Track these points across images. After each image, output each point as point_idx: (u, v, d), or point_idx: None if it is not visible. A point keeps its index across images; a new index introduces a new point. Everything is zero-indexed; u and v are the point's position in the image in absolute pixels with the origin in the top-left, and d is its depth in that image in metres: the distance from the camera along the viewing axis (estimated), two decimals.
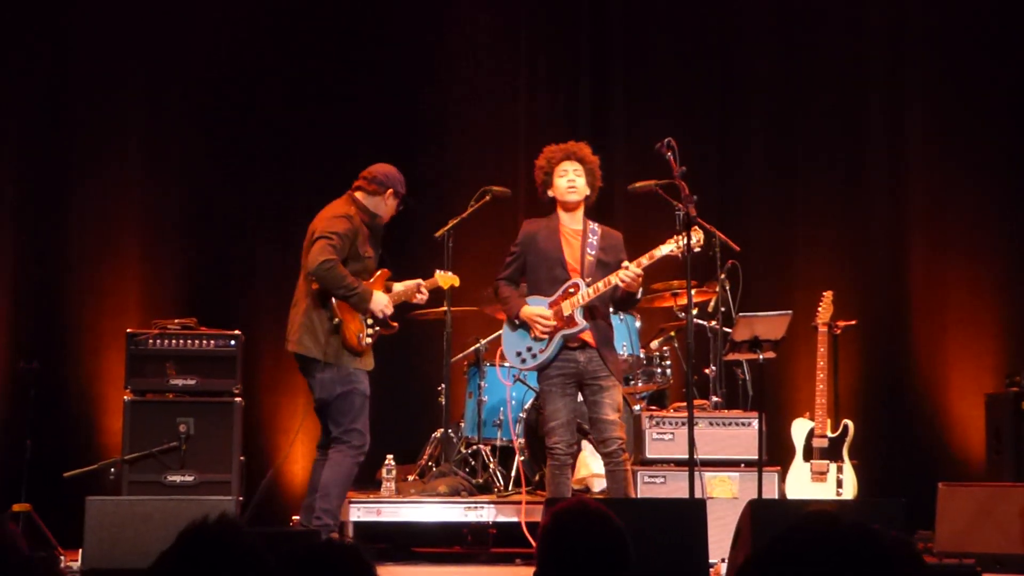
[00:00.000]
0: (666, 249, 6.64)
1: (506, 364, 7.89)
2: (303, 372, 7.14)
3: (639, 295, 6.98)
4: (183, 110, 9.27)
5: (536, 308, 6.80)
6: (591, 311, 6.78)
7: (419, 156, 9.36)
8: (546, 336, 6.76)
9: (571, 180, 6.87)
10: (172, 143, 9.26)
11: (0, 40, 9.07)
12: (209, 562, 2.14)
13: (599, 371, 6.74)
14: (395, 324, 7.28)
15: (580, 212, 6.94)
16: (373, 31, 9.49)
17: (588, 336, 6.76)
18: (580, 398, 6.94)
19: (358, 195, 7.14)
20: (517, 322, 6.86)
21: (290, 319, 7.11)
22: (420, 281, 7.33)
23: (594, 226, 6.92)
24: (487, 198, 8.15)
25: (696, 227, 6.61)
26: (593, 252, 6.83)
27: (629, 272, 6.61)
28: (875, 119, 9.46)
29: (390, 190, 7.19)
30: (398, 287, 7.23)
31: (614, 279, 6.65)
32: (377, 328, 7.10)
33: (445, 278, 7.53)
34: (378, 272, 7.20)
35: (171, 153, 9.26)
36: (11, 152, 9.08)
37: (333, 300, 6.92)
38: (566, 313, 6.74)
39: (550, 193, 6.95)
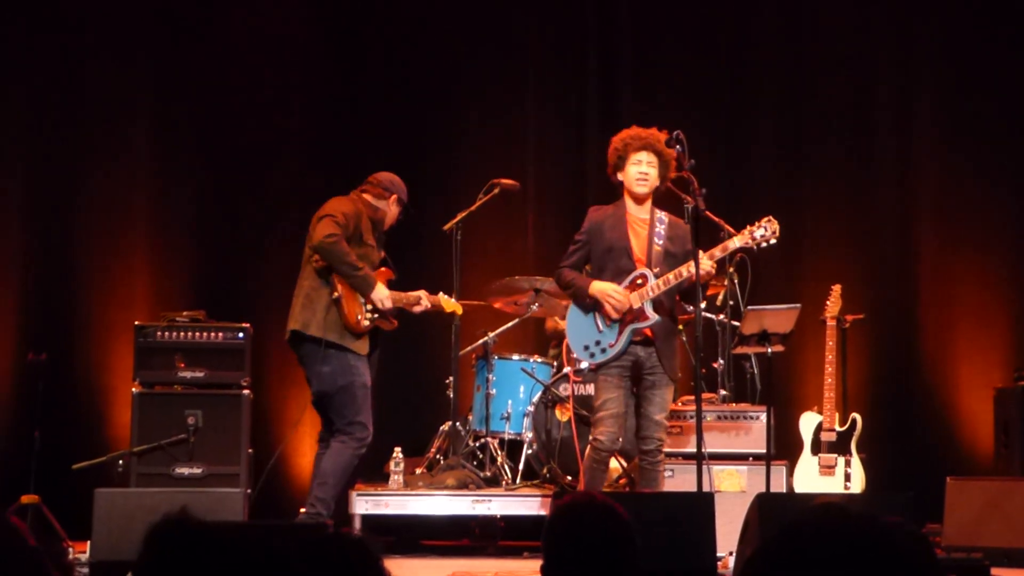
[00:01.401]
0: (739, 241, 6.60)
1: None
2: (301, 362, 7.21)
3: (706, 287, 6.91)
4: (193, 104, 9.27)
5: (608, 284, 6.67)
6: (656, 304, 6.70)
7: (427, 150, 9.37)
8: (618, 316, 6.65)
9: (643, 172, 6.75)
10: (181, 136, 9.26)
11: (9, 31, 9.08)
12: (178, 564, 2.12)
13: (655, 368, 6.69)
14: (395, 322, 7.34)
15: (648, 200, 6.84)
16: (379, 26, 9.48)
17: (650, 331, 6.69)
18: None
19: (365, 196, 7.31)
20: (589, 302, 6.72)
21: (291, 307, 7.21)
22: (424, 293, 7.37)
23: (661, 215, 6.83)
24: (495, 191, 8.17)
25: (771, 217, 6.59)
26: (660, 242, 6.74)
27: (703, 265, 6.48)
28: (884, 111, 9.44)
29: (394, 196, 7.36)
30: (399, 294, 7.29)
31: (686, 271, 6.56)
32: (376, 315, 7.15)
33: (449, 303, 7.58)
34: (380, 269, 7.27)
35: (180, 145, 9.26)
36: (20, 143, 9.08)
37: (335, 277, 7.01)
38: (636, 305, 6.64)
39: (619, 176, 6.82)
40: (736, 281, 7.91)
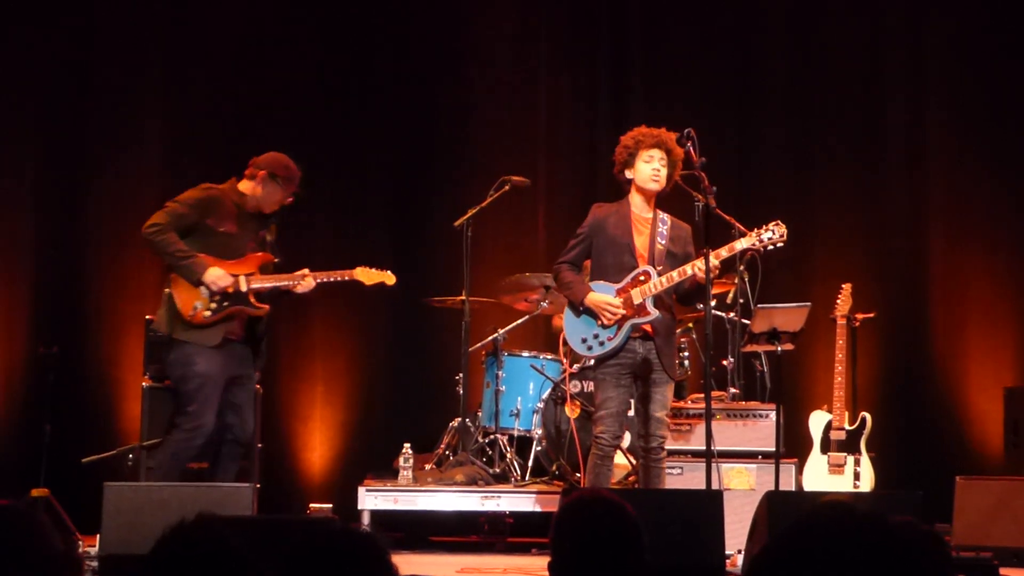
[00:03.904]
0: (746, 243, 6.58)
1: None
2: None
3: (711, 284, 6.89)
4: (203, 97, 9.28)
5: (603, 296, 6.66)
6: (657, 301, 6.68)
7: (438, 146, 9.39)
8: (613, 324, 6.65)
9: (657, 169, 6.72)
10: (191, 129, 9.27)
11: (23, 26, 9.10)
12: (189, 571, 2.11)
13: (655, 366, 6.66)
14: (262, 306, 7.09)
15: (652, 200, 6.83)
16: (393, 21, 9.48)
17: (651, 328, 6.67)
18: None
19: (235, 180, 7.19)
20: (582, 309, 6.74)
21: None
22: (306, 272, 7.11)
23: (663, 216, 6.81)
24: (506, 188, 8.17)
25: (779, 221, 6.59)
26: (663, 241, 6.72)
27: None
28: (895, 109, 9.42)
29: (262, 172, 7.13)
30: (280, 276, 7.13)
31: (691, 270, 6.55)
32: (226, 304, 6.96)
33: (370, 274, 7.29)
34: (258, 254, 7.12)
35: (190, 138, 9.27)
36: (31, 136, 9.11)
37: (171, 272, 6.98)
38: (636, 301, 6.61)
39: (628, 173, 6.79)
40: (746, 279, 7.90)
